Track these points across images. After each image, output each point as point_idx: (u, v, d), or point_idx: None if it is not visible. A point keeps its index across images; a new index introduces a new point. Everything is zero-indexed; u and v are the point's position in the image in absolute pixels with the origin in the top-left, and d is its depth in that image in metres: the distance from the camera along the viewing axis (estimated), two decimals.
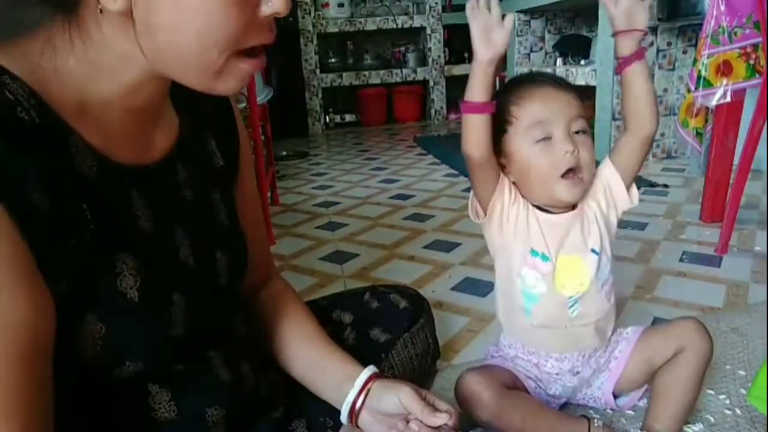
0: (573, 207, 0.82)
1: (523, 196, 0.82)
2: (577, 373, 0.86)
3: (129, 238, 0.54)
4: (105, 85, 0.52)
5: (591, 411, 0.89)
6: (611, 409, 0.89)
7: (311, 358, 0.74)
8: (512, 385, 0.82)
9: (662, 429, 0.80)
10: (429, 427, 0.66)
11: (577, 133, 0.77)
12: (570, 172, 0.76)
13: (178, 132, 0.64)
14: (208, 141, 0.69)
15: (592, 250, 0.82)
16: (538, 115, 0.77)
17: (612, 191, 0.84)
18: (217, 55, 0.50)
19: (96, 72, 0.51)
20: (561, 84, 0.80)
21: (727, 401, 0.90)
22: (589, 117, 0.82)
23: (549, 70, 3.11)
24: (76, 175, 0.50)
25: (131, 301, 0.53)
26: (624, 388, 0.87)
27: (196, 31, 0.48)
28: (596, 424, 0.79)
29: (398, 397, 0.67)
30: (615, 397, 0.87)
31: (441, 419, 0.65)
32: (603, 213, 0.84)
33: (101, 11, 0.47)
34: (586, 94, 2.79)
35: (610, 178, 0.84)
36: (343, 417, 0.70)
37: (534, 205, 0.82)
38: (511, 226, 0.82)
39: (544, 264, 0.81)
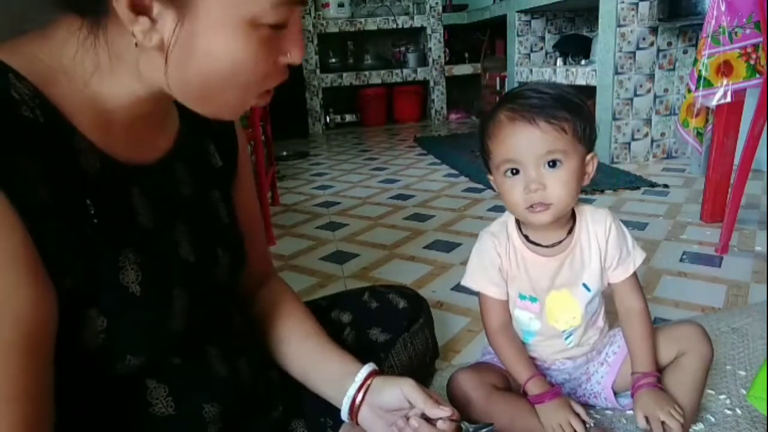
0: (570, 230, 0.83)
1: (519, 227, 0.84)
2: (570, 357, 0.89)
3: (130, 234, 0.55)
4: (118, 95, 0.53)
5: (592, 411, 0.89)
6: (610, 410, 0.89)
7: (310, 356, 0.74)
8: (503, 385, 0.84)
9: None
10: (429, 423, 0.66)
11: (552, 165, 0.75)
12: (535, 204, 0.76)
13: (177, 132, 0.65)
14: (206, 143, 0.70)
15: (584, 285, 0.84)
16: (505, 154, 0.76)
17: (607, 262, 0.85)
18: (237, 96, 0.54)
19: (112, 83, 0.53)
20: (534, 116, 0.74)
21: (728, 401, 0.90)
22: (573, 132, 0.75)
23: (549, 71, 3.12)
24: (79, 172, 0.51)
25: (133, 296, 0.53)
26: (625, 386, 0.87)
27: (224, 77, 0.51)
28: (588, 427, 0.79)
29: (401, 389, 0.67)
30: (615, 394, 0.87)
31: (444, 412, 0.66)
32: (602, 254, 0.83)
33: (136, 45, 0.49)
34: (586, 93, 2.79)
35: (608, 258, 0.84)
36: (344, 413, 0.70)
37: (526, 239, 0.83)
38: (506, 273, 0.85)
39: (533, 305, 0.85)
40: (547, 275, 0.83)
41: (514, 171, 0.76)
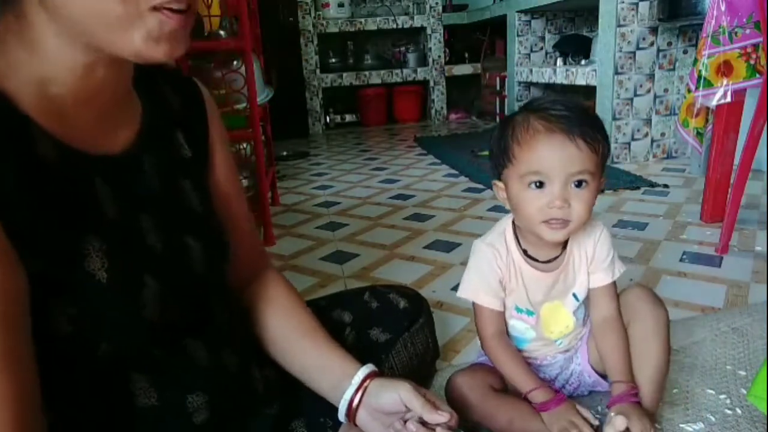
0: (564, 246, 0.83)
1: (516, 239, 0.83)
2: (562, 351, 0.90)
3: (94, 222, 0.55)
4: (57, 73, 0.53)
5: (592, 412, 0.89)
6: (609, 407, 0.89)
7: (309, 355, 0.74)
8: (500, 386, 0.85)
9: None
10: (427, 426, 0.66)
11: (578, 185, 0.74)
12: (553, 220, 0.75)
13: (141, 123, 0.64)
14: (174, 133, 0.69)
15: (573, 295, 0.85)
16: (536, 165, 0.73)
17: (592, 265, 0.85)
18: (125, 13, 0.48)
19: (46, 60, 0.52)
20: (573, 131, 0.72)
21: (728, 401, 0.90)
22: (597, 166, 0.76)
23: (549, 71, 3.12)
24: (37, 161, 0.51)
25: (100, 283, 0.53)
26: (596, 358, 0.88)
27: None
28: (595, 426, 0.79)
29: (398, 393, 0.67)
30: (604, 377, 0.89)
31: (442, 417, 0.65)
32: (588, 261, 0.84)
33: None
34: (589, 94, 2.79)
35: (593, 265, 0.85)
36: (341, 414, 0.70)
37: (524, 253, 0.83)
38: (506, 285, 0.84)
39: (529, 318, 0.85)
40: (543, 290, 0.84)
41: (539, 184, 0.74)
